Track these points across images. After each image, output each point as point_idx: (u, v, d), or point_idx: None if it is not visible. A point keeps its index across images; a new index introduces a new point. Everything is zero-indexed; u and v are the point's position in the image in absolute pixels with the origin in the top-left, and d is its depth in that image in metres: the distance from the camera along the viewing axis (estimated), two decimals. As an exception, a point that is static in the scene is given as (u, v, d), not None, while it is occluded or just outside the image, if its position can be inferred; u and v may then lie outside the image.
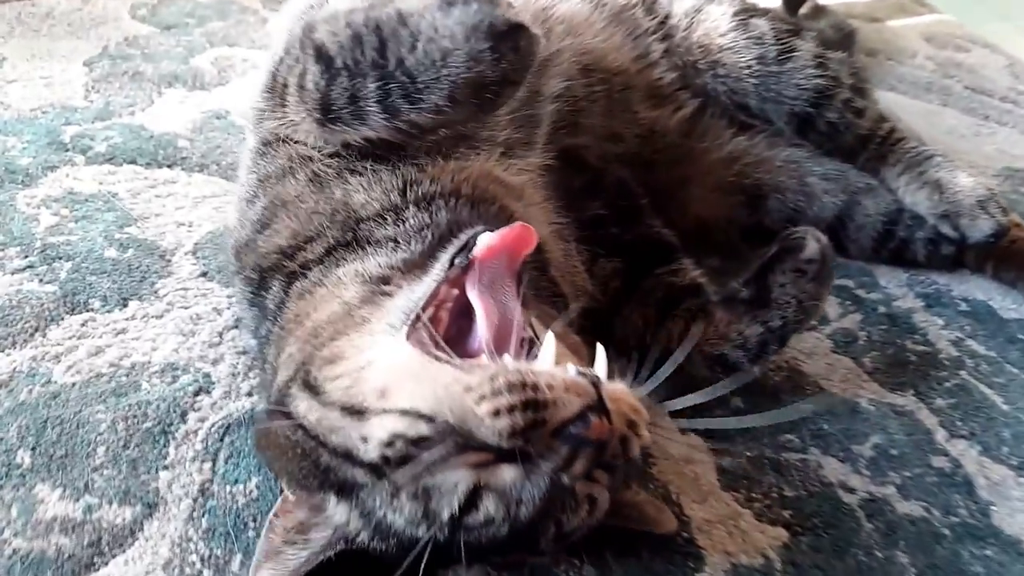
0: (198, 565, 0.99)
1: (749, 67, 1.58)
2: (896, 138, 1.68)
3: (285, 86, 1.07)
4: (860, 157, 1.67)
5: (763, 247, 1.68)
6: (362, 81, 0.94)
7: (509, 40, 0.90)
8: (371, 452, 0.82)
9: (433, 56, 0.90)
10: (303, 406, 0.89)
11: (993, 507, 1.21)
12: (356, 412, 0.84)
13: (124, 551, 1.00)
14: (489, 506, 0.81)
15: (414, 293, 0.90)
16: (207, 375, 1.24)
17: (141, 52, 2.09)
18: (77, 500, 1.04)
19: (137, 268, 1.41)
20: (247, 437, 1.15)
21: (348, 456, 0.85)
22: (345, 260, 1.02)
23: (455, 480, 0.81)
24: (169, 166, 1.69)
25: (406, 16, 0.93)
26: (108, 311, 1.33)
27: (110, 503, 1.05)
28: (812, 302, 1.24)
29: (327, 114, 0.99)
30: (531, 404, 0.79)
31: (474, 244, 0.86)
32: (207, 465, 1.11)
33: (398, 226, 1.03)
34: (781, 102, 1.60)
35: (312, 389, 0.88)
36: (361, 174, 1.07)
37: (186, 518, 1.04)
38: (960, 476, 1.25)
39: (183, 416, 1.17)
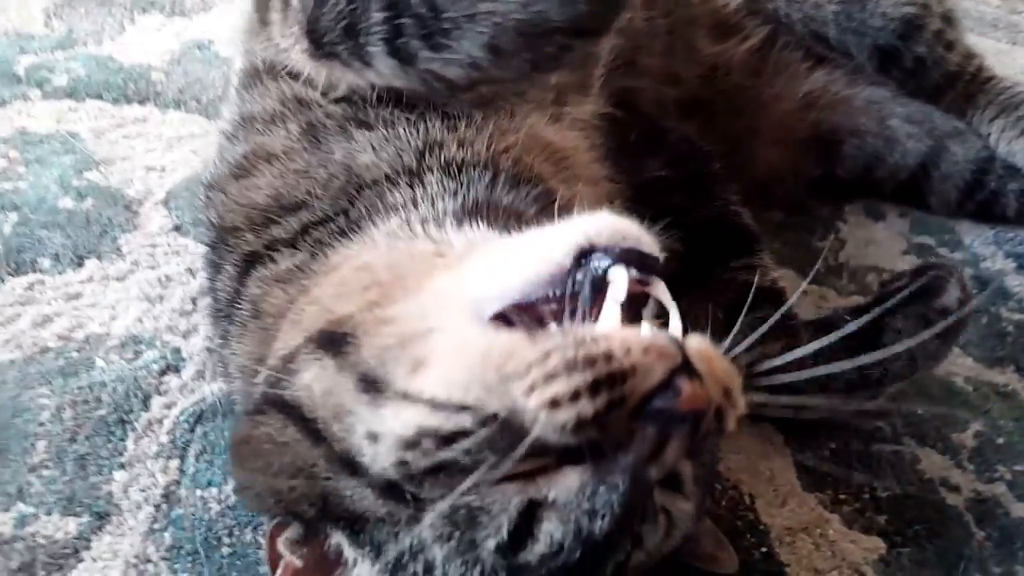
0: (158, 593, 0.79)
1: None
2: (986, 76, 1.46)
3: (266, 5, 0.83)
4: (946, 97, 1.45)
5: (833, 200, 1.49)
6: (364, 6, 0.70)
7: None
8: (382, 458, 0.61)
9: None
10: (310, 375, 0.68)
11: None
12: (376, 385, 0.63)
13: (64, 574, 0.79)
14: (551, 529, 0.60)
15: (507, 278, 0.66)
16: (176, 350, 1.02)
17: (111, -25, 1.83)
18: (7, 510, 0.84)
19: (97, 221, 1.19)
20: (224, 428, 0.94)
21: (349, 464, 0.64)
22: (331, 243, 0.80)
23: (502, 499, 0.60)
24: (140, 102, 1.45)
25: None
26: (60, 272, 1.11)
27: (49, 513, 0.84)
28: (928, 361, 1.00)
29: (318, 46, 0.75)
30: (602, 382, 0.57)
31: None
32: (173, 463, 0.91)
33: (414, 189, 0.80)
34: (864, 33, 1.38)
35: (336, 345, 0.68)
36: (371, 128, 0.83)
37: (145, 532, 0.84)
38: (1081, 469, 1.04)
39: (145, 401, 0.96)
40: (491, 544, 0.60)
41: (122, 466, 0.90)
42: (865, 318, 0.86)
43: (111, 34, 1.62)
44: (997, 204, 1.44)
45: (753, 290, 1.04)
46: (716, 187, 1.20)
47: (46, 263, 1.11)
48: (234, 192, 0.87)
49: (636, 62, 1.15)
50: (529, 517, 0.59)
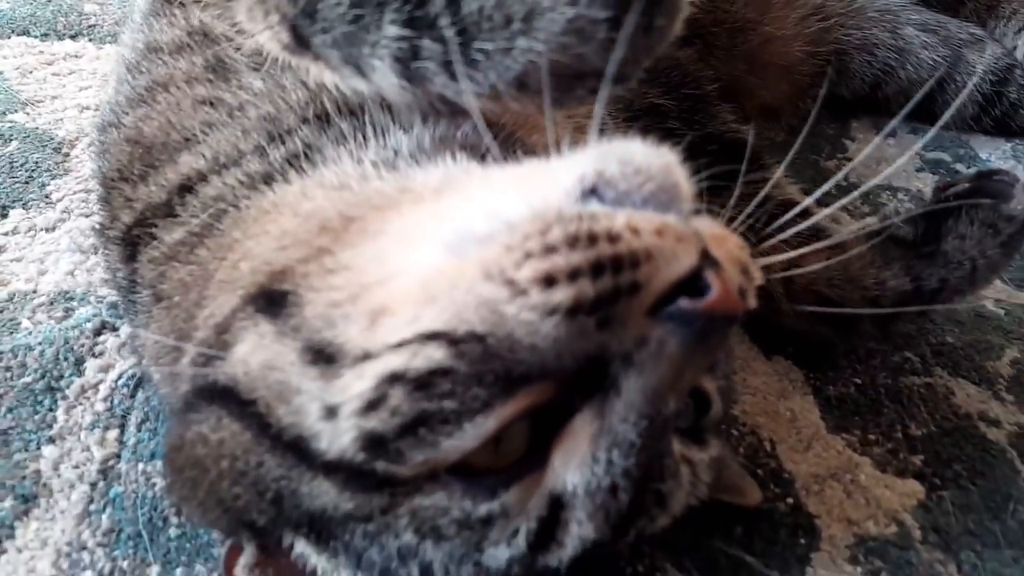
0: (95, 585, 0.67)
1: None
2: None
3: None
4: (965, 7, 1.36)
5: (839, 118, 1.37)
6: (375, 16, 0.55)
7: (650, 11, 0.51)
8: (343, 434, 0.50)
9: (512, 10, 0.52)
10: (245, 347, 0.56)
11: None
12: (326, 356, 0.51)
13: (-16, 569, 0.68)
14: (578, 531, 0.51)
15: (497, 202, 0.53)
16: (113, 305, 0.90)
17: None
18: (-84, 494, 0.72)
19: (23, 165, 1.06)
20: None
21: (300, 450, 0.52)
22: (253, 188, 0.67)
23: (511, 500, 0.50)
24: (72, 37, 1.33)
25: None
26: (-21, 224, 0.98)
27: (-34, 498, 0.72)
28: (988, 272, 0.90)
29: (300, 42, 0.61)
30: (610, 263, 0.46)
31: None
32: (111, 434, 0.79)
33: (360, 126, 0.68)
34: None
35: (274, 307, 0.56)
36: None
37: (79, 514, 0.72)
38: None
39: (78, 365, 0.84)
40: (503, 556, 0.50)
41: (51, 440, 0.78)
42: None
43: (38, -35, 1.47)
44: (1016, 116, 1.35)
45: (775, 202, 0.95)
46: (711, 107, 1.10)
47: (-36, 215, 0.98)
48: (127, 124, 0.74)
49: None
50: (552, 518, 0.49)
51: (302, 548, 0.56)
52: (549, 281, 0.46)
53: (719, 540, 0.76)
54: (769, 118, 1.30)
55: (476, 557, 0.51)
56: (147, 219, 0.70)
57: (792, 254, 0.73)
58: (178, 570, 0.69)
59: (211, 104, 0.71)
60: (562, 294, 0.46)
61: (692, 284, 0.47)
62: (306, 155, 0.67)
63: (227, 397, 0.56)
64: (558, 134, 0.69)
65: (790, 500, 0.81)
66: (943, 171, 1.28)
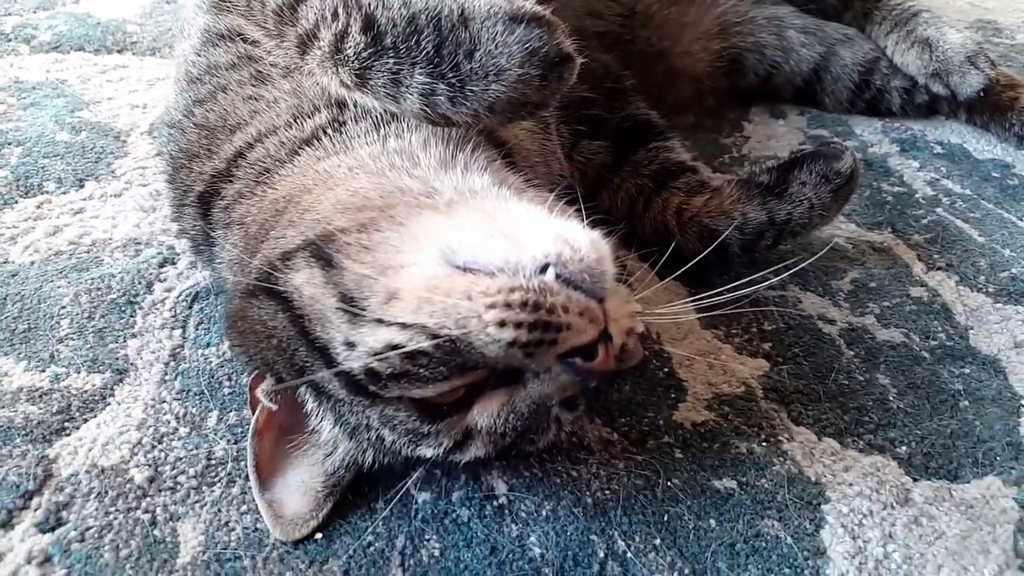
0: (173, 423, 0.98)
1: None
2: None
3: (313, 34, 0.94)
4: (845, 16, 1.66)
5: (740, 105, 1.68)
6: (411, 70, 0.89)
7: (558, 70, 0.88)
8: (354, 361, 0.79)
9: (488, 69, 0.87)
10: (301, 277, 0.84)
11: (971, 330, 1.21)
12: (352, 309, 0.80)
13: (95, 415, 0.98)
14: (476, 451, 0.85)
15: (483, 242, 0.82)
16: (171, 247, 1.21)
17: (81, -58, 1.98)
18: (43, 371, 1.02)
19: (92, 150, 1.37)
20: (217, 304, 1.12)
21: (325, 356, 0.81)
22: (300, 149, 0.98)
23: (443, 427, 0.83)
24: (119, 51, 1.62)
25: (468, 18, 0.88)
26: (64, 192, 1.28)
27: (78, 371, 1.02)
28: (822, 212, 1.23)
29: (362, 83, 0.92)
30: (542, 326, 0.76)
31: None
32: (177, 332, 1.09)
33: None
34: None
35: (325, 260, 0.84)
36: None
37: (158, 381, 1.03)
38: (938, 304, 1.25)
39: (149, 287, 1.14)
40: (429, 453, 0.84)
41: (134, 335, 1.08)
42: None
43: (87, -6, 1.78)
44: (883, 100, 1.65)
45: (673, 161, 1.27)
46: (629, 96, 1.41)
47: (51, 186, 1.29)
48: (197, 115, 1.04)
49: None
50: (463, 441, 0.84)
51: (308, 399, 0.87)
52: (502, 324, 0.75)
53: (615, 392, 1.07)
54: (679, 112, 1.59)
55: (412, 448, 0.85)
56: (215, 184, 1.00)
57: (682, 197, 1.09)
58: (231, 414, 1.00)
59: (255, 99, 1.02)
60: (507, 334, 0.75)
61: (590, 350, 0.78)
62: (333, 127, 0.98)
63: (283, 301, 0.84)
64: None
65: (666, 370, 1.11)
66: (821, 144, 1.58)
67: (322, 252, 0.84)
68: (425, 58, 0.88)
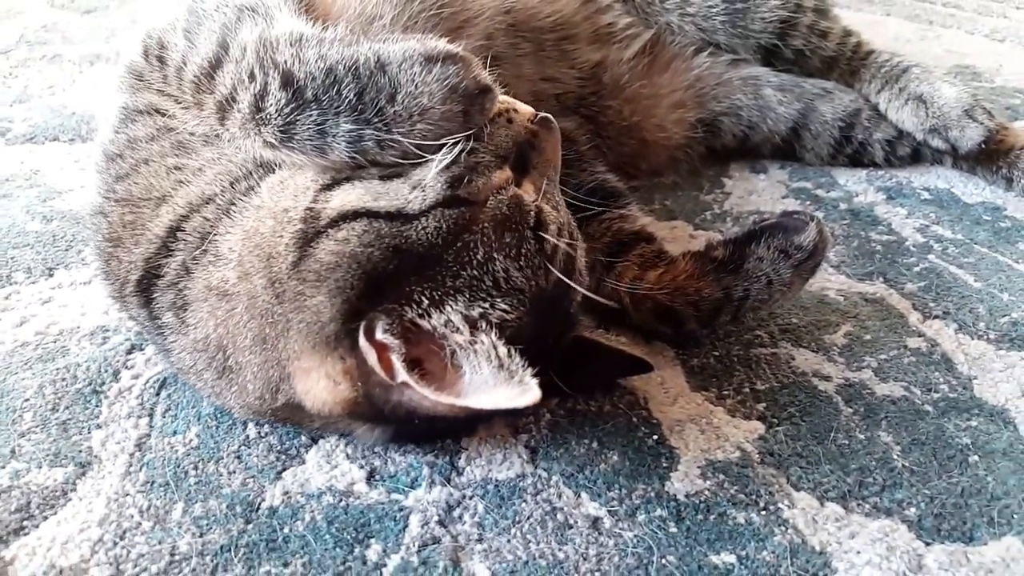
0: (136, 517, 0.93)
1: (716, 5, 1.55)
2: (865, 51, 1.66)
3: (232, 98, 0.95)
4: (831, 76, 1.66)
5: (717, 167, 1.67)
6: (335, 119, 0.91)
7: (479, 102, 0.93)
8: (434, 187, 0.89)
9: (412, 110, 0.90)
10: (336, 198, 0.90)
11: (975, 380, 1.16)
12: (397, 173, 0.91)
13: (56, 512, 0.93)
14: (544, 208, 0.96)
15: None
16: (139, 333, 1.17)
17: (61, 36, 2.01)
18: (3, 467, 0.97)
19: (62, 238, 1.35)
20: (185, 388, 1.08)
21: (403, 216, 0.88)
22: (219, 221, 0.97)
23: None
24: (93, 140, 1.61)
25: (385, 64, 0.91)
26: (33, 283, 1.26)
27: (39, 466, 0.98)
28: (782, 288, 1.17)
29: (287, 139, 0.93)
30: (506, 112, 0.99)
31: None
32: (143, 420, 1.05)
33: None
34: (747, 36, 1.57)
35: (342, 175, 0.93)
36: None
37: (122, 473, 0.98)
38: (938, 354, 1.21)
39: (116, 375, 1.11)
40: (531, 221, 0.93)
41: (99, 426, 1.04)
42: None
43: (63, 86, 1.80)
44: (865, 153, 1.63)
45: (627, 231, 1.24)
46: (584, 162, 1.39)
47: (20, 276, 1.26)
48: (119, 191, 1.02)
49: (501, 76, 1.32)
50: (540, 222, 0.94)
51: (423, 300, 0.87)
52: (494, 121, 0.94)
53: (600, 464, 1.01)
54: (654, 175, 1.58)
55: (522, 237, 0.92)
56: (151, 268, 0.98)
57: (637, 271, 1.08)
58: (196, 505, 0.94)
59: (178, 169, 1.01)
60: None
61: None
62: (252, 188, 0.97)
63: (339, 219, 0.89)
64: None
65: (656, 437, 1.06)
66: (804, 197, 1.56)
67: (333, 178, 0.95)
68: (348, 106, 0.91)
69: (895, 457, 1.04)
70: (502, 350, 0.84)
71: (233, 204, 0.96)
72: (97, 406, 1.06)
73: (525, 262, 0.91)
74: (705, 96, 1.61)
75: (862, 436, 1.07)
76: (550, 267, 0.92)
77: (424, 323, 0.87)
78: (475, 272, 0.89)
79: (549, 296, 0.94)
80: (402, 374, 0.83)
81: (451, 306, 0.87)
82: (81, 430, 1.03)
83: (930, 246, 1.43)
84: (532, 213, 0.93)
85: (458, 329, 0.86)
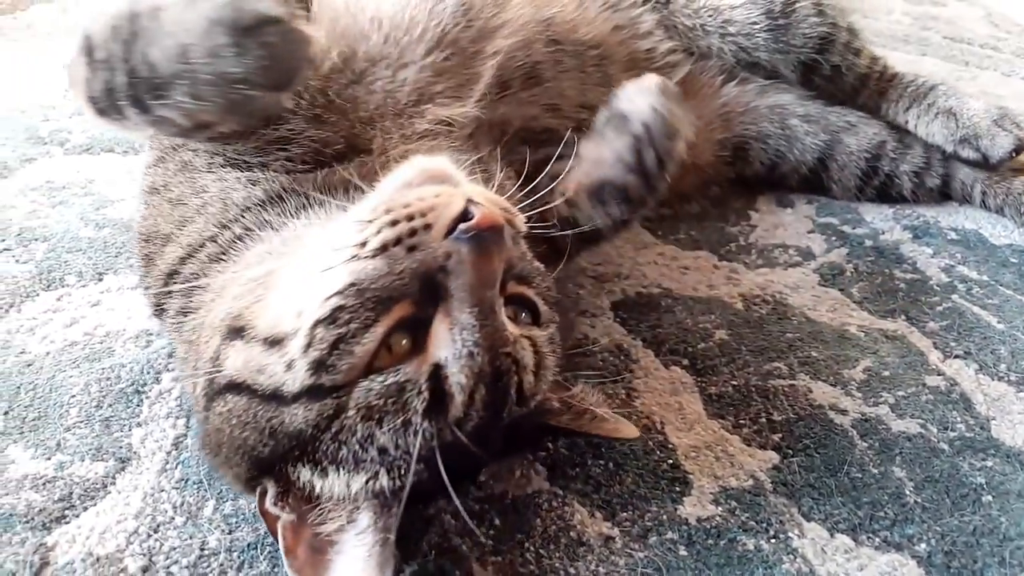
0: (170, 512, 0.98)
1: (759, 22, 1.56)
2: (891, 74, 1.67)
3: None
4: (861, 96, 1.66)
5: (747, 195, 1.69)
6: (113, 75, 0.88)
7: (255, 35, 0.83)
8: (300, 370, 0.79)
9: (173, 51, 0.84)
10: (232, 357, 0.86)
11: (993, 421, 1.17)
12: (277, 342, 0.82)
13: (96, 503, 0.99)
14: (457, 378, 0.79)
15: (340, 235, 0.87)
16: (182, 338, 1.22)
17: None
18: (48, 458, 1.03)
19: (113, 244, 1.41)
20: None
21: (278, 398, 0.81)
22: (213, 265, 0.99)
23: (411, 371, 0.80)
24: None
25: (158, 8, 0.86)
26: (83, 286, 1.32)
27: (82, 459, 1.03)
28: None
29: (97, 110, 0.93)
30: (404, 218, 0.81)
31: None
32: (181, 421, 1.10)
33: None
34: (788, 52, 1.57)
35: (239, 332, 0.86)
36: (239, 167, 1.05)
37: (159, 470, 1.03)
38: (956, 394, 1.22)
39: (157, 377, 1.16)
40: (419, 407, 0.78)
41: (139, 424, 1.09)
42: None
43: (120, 100, 1.87)
44: (893, 185, 1.65)
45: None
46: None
47: (72, 279, 1.33)
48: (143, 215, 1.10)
49: (544, 86, 1.32)
50: (437, 378, 0.79)
51: (304, 475, 0.82)
52: (363, 243, 0.80)
53: (615, 486, 1.04)
54: (683, 200, 1.61)
55: (405, 423, 0.78)
56: (158, 301, 1.05)
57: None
58: (227, 503, 0.99)
59: (182, 204, 1.05)
60: (379, 239, 0.80)
61: (465, 217, 0.80)
62: (242, 238, 0.99)
63: (233, 385, 0.85)
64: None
65: (671, 462, 1.08)
66: (830, 232, 1.58)
67: (234, 329, 0.87)
68: (121, 58, 0.87)
69: (908, 493, 1.06)
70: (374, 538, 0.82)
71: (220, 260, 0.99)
72: (138, 405, 1.12)
73: (414, 434, 0.79)
74: (732, 121, 1.63)
75: (875, 471, 1.09)
76: (455, 431, 0.81)
77: (308, 493, 0.84)
78: (356, 448, 0.80)
79: (460, 446, 0.82)
80: (280, 544, 0.83)
81: (333, 478, 0.82)
82: (122, 427, 1.08)
83: (954, 286, 1.44)
84: (420, 392, 0.79)
85: (338, 502, 0.83)
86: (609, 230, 1.20)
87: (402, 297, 0.80)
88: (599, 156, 1.16)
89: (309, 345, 0.79)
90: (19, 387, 1.12)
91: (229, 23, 0.82)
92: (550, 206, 1.09)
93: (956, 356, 1.29)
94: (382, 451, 0.80)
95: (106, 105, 0.91)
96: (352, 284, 0.80)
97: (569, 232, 1.11)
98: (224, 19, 0.82)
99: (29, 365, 1.16)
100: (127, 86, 0.88)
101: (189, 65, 0.84)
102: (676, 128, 1.15)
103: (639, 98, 1.15)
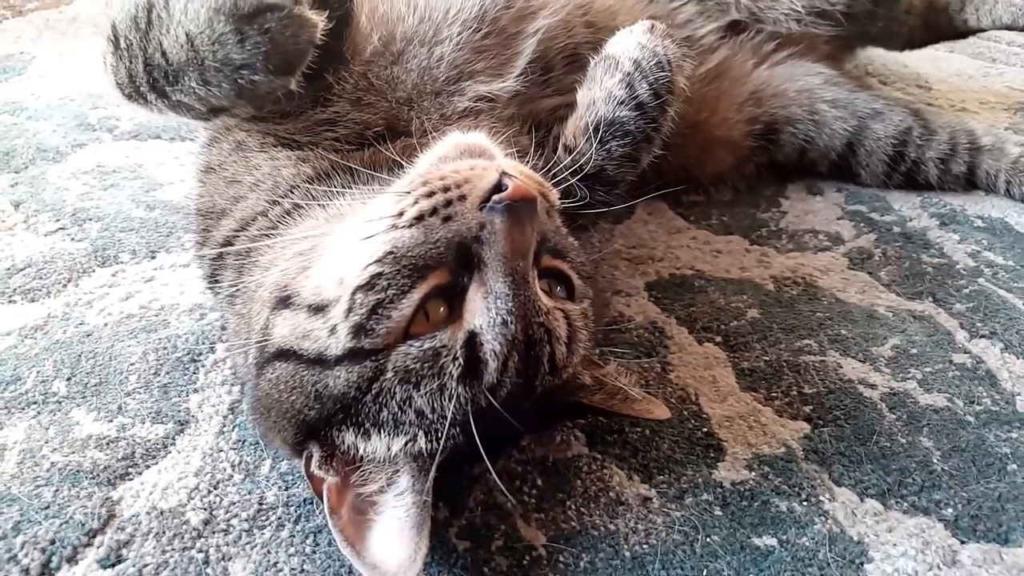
0: (228, 470, 1.03)
1: None
2: None
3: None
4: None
5: (778, 182, 1.73)
6: (134, 63, 0.94)
7: (255, 22, 0.87)
8: (341, 334, 0.83)
9: (181, 39, 0.89)
10: (279, 326, 0.90)
11: (1018, 396, 1.20)
12: (320, 308, 0.86)
13: (157, 462, 1.04)
14: (491, 345, 0.82)
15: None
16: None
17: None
18: (111, 420, 1.08)
19: (164, 225, 1.47)
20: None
21: (322, 362, 0.85)
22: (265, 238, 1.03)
23: (447, 338, 0.83)
24: (192, 139, 1.73)
25: (170, 2, 0.91)
26: (137, 263, 1.38)
27: (143, 422, 1.09)
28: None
29: (124, 95, 1.01)
30: (440, 190, 0.85)
31: None
32: (236, 388, 1.15)
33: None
34: None
35: (286, 301, 0.90)
36: (290, 147, 1.10)
37: (216, 432, 1.08)
38: (982, 371, 1.25)
39: (211, 347, 1.21)
40: (455, 372, 0.81)
41: (196, 390, 1.14)
42: None
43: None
44: (919, 172, 1.68)
45: None
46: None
47: (126, 257, 1.39)
48: (199, 192, 1.15)
49: (582, 71, 1.30)
50: (472, 345, 0.83)
51: (348, 438, 0.86)
52: (401, 214, 0.84)
53: (652, 451, 1.08)
54: (718, 183, 1.65)
55: (442, 389, 0.81)
56: (212, 274, 1.10)
57: None
58: (283, 463, 1.04)
59: (237, 182, 1.11)
60: (416, 210, 0.84)
61: (499, 189, 0.83)
62: (291, 213, 1.04)
63: (282, 352, 0.89)
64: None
65: (705, 430, 1.12)
66: (859, 219, 1.61)
67: (281, 299, 0.91)
68: (139, 46, 0.93)
69: (935, 461, 1.09)
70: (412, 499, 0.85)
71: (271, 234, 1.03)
72: (195, 373, 1.17)
73: (449, 398, 0.82)
74: (763, 101, 1.67)
75: (904, 440, 1.12)
76: (489, 397, 0.83)
77: (351, 456, 0.87)
78: (396, 411, 0.83)
79: (494, 412, 0.85)
80: (324, 505, 0.87)
81: (375, 440, 0.86)
82: (180, 393, 1.14)
83: (980, 270, 1.47)
84: (455, 358, 0.82)
85: (379, 464, 0.87)
86: (617, 170, 1.21)
87: (438, 265, 0.84)
88: (592, 99, 1.20)
89: (350, 310, 0.83)
90: (80, 355, 1.18)
91: (230, 11, 0.87)
92: (553, 161, 1.13)
93: (982, 336, 1.32)
94: (419, 413, 0.83)
95: (131, 91, 0.99)
96: (390, 252, 0.84)
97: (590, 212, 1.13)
98: (225, 7, 0.87)
99: (88, 335, 1.22)
100: (145, 73, 0.94)
101: (196, 53, 0.89)
102: (667, 59, 1.18)
103: (627, 38, 1.20)
